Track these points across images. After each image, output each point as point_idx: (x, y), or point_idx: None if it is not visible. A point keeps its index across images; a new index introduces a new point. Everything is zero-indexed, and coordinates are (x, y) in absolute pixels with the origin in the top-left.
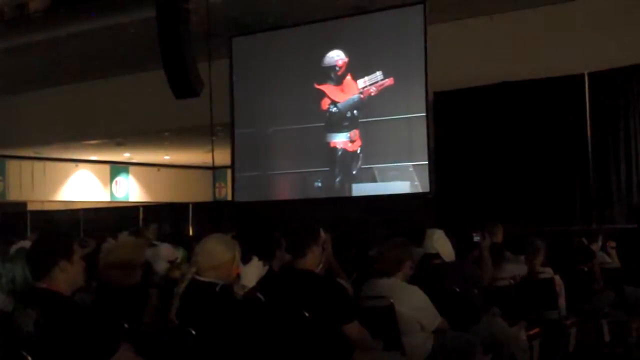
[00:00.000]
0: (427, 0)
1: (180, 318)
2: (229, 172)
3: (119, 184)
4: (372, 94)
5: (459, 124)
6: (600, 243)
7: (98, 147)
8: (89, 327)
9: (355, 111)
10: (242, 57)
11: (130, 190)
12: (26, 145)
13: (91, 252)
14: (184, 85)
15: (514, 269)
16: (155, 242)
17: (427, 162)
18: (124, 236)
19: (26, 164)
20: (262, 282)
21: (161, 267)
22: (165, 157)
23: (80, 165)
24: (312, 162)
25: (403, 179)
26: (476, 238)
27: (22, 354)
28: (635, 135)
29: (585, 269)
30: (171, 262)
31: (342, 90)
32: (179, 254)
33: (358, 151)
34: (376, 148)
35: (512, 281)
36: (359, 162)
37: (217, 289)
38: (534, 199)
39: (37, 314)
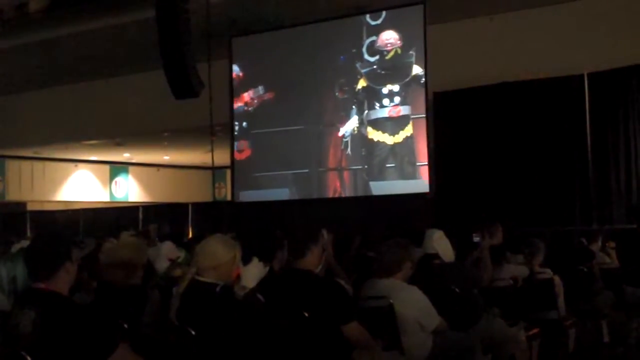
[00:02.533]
0: (427, 1)
1: (180, 318)
2: (228, 172)
3: (118, 184)
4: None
5: (458, 124)
6: (599, 243)
7: (98, 147)
8: (87, 327)
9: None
10: (242, 57)
11: (129, 190)
12: (26, 145)
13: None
14: (184, 85)
15: (514, 269)
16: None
17: (426, 162)
18: (126, 236)
19: (26, 164)
20: (262, 283)
21: (162, 265)
22: (165, 157)
23: (80, 165)
24: (312, 162)
25: (403, 179)
26: (476, 238)
27: (21, 354)
28: (634, 135)
29: (585, 269)
30: (172, 261)
31: None
32: (180, 253)
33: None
34: (374, 148)
35: (512, 281)
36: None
37: (218, 289)
38: (534, 199)
39: (36, 314)
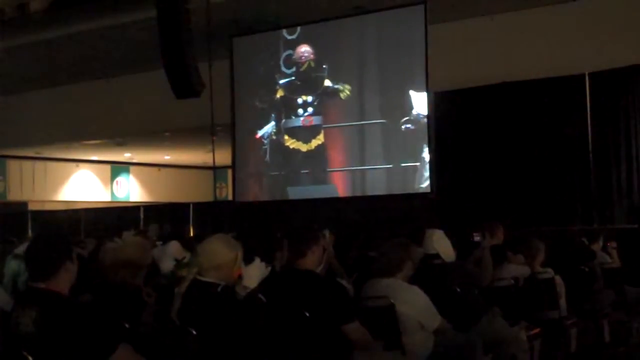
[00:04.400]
0: (427, 1)
1: (181, 318)
2: (229, 172)
3: (119, 184)
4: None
5: (459, 124)
6: (601, 243)
7: (99, 147)
8: (87, 327)
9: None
10: (242, 57)
11: (131, 190)
12: (27, 145)
13: (92, 252)
14: (185, 85)
15: (515, 269)
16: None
17: (428, 162)
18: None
19: (27, 164)
20: (263, 283)
21: (168, 265)
22: (166, 157)
23: (81, 165)
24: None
25: (404, 179)
26: (477, 238)
27: (22, 353)
28: (635, 135)
29: (586, 269)
30: (178, 261)
31: None
32: (186, 253)
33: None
34: (378, 148)
35: (513, 281)
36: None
37: (219, 289)
38: (535, 199)
39: (37, 313)
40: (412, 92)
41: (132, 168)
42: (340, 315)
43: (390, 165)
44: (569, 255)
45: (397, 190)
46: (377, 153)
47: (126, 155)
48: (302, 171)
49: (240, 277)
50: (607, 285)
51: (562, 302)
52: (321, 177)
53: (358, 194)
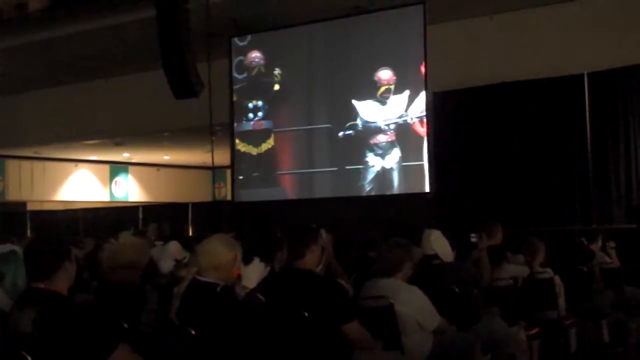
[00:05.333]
0: (426, 1)
1: (180, 318)
2: (228, 172)
3: (118, 184)
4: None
5: (458, 124)
6: (600, 243)
7: (97, 147)
8: (86, 327)
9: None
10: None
11: (129, 190)
12: (26, 145)
13: (90, 252)
14: (184, 85)
15: (514, 269)
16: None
17: (427, 162)
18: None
19: (26, 163)
20: (262, 283)
21: (167, 265)
22: (165, 157)
23: (80, 165)
24: (311, 162)
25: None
26: (473, 239)
27: (21, 354)
28: (634, 135)
29: (585, 269)
30: (178, 261)
31: None
32: (186, 253)
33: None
34: (376, 147)
35: (512, 281)
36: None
37: (218, 289)
38: (534, 199)
39: (36, 313)
40: (354, 101)
41: (130, 168)
42: (340, 315)
43: (335, 168)
44: (568, 256)
45: (343, 192)
46: (324, 156)
47: (125, 155)
48: (253, 174)
49: (239, 277)
50: (606, 285)
51: (561, 302)
52: (271, 180)
53: (305, 196)
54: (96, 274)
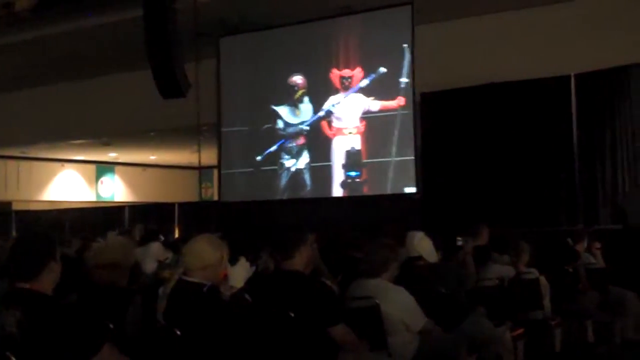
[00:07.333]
0: (415, 1)
1: (167, 318)
2: (215, 172)
3: (104, 184)
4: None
5: (446, 125)
6: (585, 244)
7: (84, 147)
8: (71, 327)
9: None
10: (229, 57)
11: (116, 190)
12: (12, 145)
13: (77, 252)
14: (171, 85)
15: (500, 269)
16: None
17: (414, 164)
18: (113, 236)
19: (12, 163)
20: (249, 283)
21: (150, 266)
22: (152, 157)
23: (66, 165)
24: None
25: (390, 179)
26: (459, 242)
27: (5, 354)
28: (620, 136)
29: (571, 269)
30: (160, 262)
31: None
32: (168, 254)
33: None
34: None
35: (497, 282)
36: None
37: (205, 289)
38: (520, 200)
39: (21, 314)
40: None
41: (117, 168)
42: (327, 317)
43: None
44: (554, 256)
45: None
46: None
47: (111, 155)
48: None
49: (226, 277)
50: (591, 285)
51: (547, 302)
52: None
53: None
54: (82, 274)
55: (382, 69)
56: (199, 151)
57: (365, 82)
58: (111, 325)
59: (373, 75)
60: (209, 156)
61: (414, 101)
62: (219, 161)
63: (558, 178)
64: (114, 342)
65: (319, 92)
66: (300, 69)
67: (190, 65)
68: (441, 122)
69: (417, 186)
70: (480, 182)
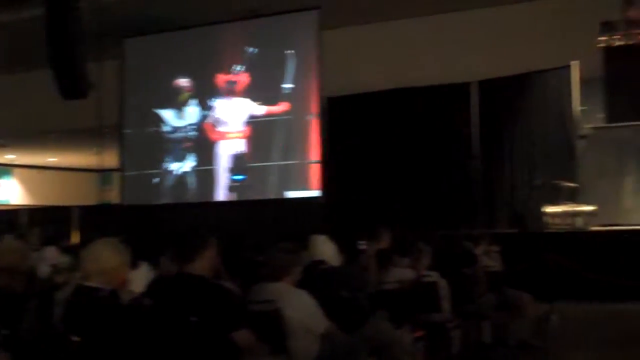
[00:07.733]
0: (322, 6)
1: (65, 324)
2: (116, 175)
3: (0, 187)
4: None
5: (351, 129)
6: (483, 247)
7: None
8: None
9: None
10: (134, 59)
11: (12, 193)
12: None
13: None
14: (72, 86)
15: (401, 272)
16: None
17: (319, 168)
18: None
19: None
20: (151, 288)
21: (44, 270)
22: (50, 159)
23: None
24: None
25: (294, 183)
26: (361, 246)
27: None
28: (520, 142)
29: (469, 272)
30: (54, 266)
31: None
32: (64, 258)
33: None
34: (267, 153)
35: (398, 285)
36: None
37: (104, 294)
38: (422, 204)
39: None
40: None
41: (15, 170)
42: (229, 322)
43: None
44: (453, 259)
45: None
46: None
47: (8, 157)
48: None
49: (126, 282)
50: (489, 288)
51: (446, 304)
52: None
53: None
54: None
55: (267, 75)
56: (100, 153)
57: (250, 87)
58: (5, 332)
59: (258, 81)
60: (110, 158)
61: (320, 106)
62: (122, 163)
63: (458, 183)
64: (8, 349)
65: (205, 95)
66: (188, 72)
67: (93, 65)
68: (347, 126)
69: (321, 191)
70: (383, 186)
